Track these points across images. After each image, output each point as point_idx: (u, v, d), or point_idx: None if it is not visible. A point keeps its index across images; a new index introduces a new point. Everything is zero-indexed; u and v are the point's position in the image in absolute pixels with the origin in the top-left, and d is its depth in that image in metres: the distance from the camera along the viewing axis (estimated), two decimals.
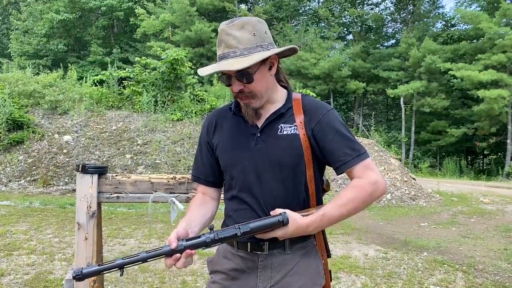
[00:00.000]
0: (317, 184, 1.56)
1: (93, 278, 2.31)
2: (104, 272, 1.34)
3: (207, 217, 1.63)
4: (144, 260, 1.35)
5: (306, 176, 1.52)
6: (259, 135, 1.54)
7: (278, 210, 1.43)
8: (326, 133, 1.50)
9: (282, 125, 1.53)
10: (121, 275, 1.36)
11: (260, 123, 1.56)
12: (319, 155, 1.53)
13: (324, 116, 1.52)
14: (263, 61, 1.47)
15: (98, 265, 1.33)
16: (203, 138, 1.71)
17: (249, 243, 1.52)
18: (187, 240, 1.38)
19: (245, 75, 1.45)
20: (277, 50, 1.50)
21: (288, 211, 1.41)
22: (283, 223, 1.39)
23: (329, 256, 1.64)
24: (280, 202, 1.49)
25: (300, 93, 1.66)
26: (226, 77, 1.49)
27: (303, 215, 1.44)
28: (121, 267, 1.33)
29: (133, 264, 1.34)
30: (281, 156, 1.50)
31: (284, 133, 1.52)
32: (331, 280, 1.63)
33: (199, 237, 1.38)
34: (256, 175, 1.52)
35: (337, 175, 1.56)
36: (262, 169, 1.51)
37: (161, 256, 1.36)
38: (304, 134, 1.51)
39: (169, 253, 1.35)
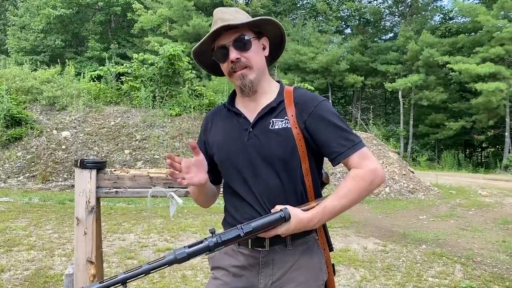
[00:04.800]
0: (314, 177, 1.55)
1: (92, 273, 2.32)
2: None
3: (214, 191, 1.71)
4: (147, 272, 1.32)
5: (301, 169, 1.51)
6: (251, 130, 1.54)
7: (279, 207, 1.42)
8: (319, 125, 1.49)
9: (273, 119, 1.53)
10: None
11: (252, 118, 1.56)
12: (314, 147, 1.52)
13: (316, 107, 1.51)
14: (257, 38, 1.56)
15: (100, 282, 1.30)
16: (201, 137, 1.73)
17: (250, 240, 1.51)
18: (189, 246, 1.35)
19: (243, 40, 1.51)
20: (269, 17, 1.57)
21: (288, 207, 1.41)
22: (285, 219, 1.38)
23: (331, 250, 1.64)
24: (277, 197, 1.48)
25: (293, 86, 1.66)
26: (222, 50, 1.52)
27: (304, 209, 1.44)
28: (123, 282, 1.30)
29: (136, 278, 1.32)
30: (274, 150, 1.49)
31: (275, 127, 1.51)
32: (334, 274, 1.62)
33: (202, 242, 1.36)
34: (251, 170, 1.52)
35: (333, 166, 1.56)
36: (257, 164, 1.51)
37: (164, 267, 1.34)
38: (296, 128, 1.50)
39: (172, 263, 1.34)
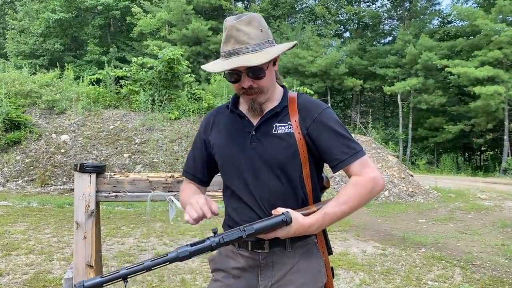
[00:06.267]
0: (314, 181, 1.56)
1: (92, 276, 2.32)
2: (107, 283, 1.30)
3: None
4: (148, 268, 1.32)
5: (302, 174, 1.53)
6: (254, 133, 1.55)
7: (280, 210, 1.43)
8: (321, 132, 1.51)
9: (277, 124, 1.54)
10: (125, 286, 1.33)
11: (255, 121, 1.57)
12: (316, 153, 1.54)
13: (319, 114, 1.53)
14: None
15: (101, 277, 1.30)
16: (199, 135, 1.72)
17: (249, 242, 1.53)
18: (192, 245, 1.36)
19: (258, 71, 1.47)
20: (286, 46, 1.54)
21: (290, 211, 1.42)
22: (287, 222, 1.39)
23: (330, 253, 1.65)
24: (277, 200, 1.49)
25: (296, 91, 1.67)
26: (235, 73, 1.49)
27: (304, 214, 1.45)
28: (125, 277, 1.30)
29: (137, 274, 1.32)
30: (276, 154, 1.51)
31: (278, 132, 1.53)
32: (333, 278, 1.64)
33: (204, 241, 1.37)
34: (253, 173, 1.53)
35: (334, 173, 1.57)
36: (258, 167, 1.52)
37: (166, 264, 1.34)
38: (299, 133, 1.51)
39: (174, 260, 1.34)
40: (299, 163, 1.52)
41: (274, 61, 1.56)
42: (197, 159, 1.71)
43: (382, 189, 1.50)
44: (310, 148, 1.53)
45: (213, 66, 1.51)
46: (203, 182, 1.73)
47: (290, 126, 1.53)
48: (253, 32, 1.47)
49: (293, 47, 1.59)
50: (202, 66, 1.59)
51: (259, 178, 1.52)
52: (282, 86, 1.67)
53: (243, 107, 1.63)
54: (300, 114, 1.54)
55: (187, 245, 1.37)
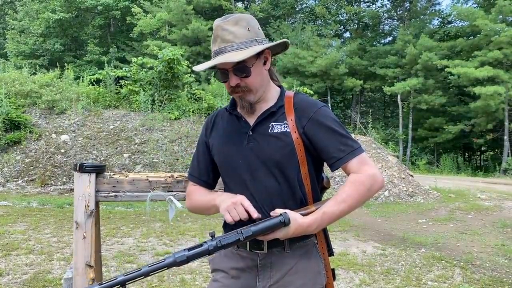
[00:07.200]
0: (313, 181, 1.56)
1: (91, 277, 2.32)
2: None
3: None
4: (146, 274, 1.32)
5: (300, 173, 1.52)
6: (251, 133, 1.55)
7: (278, 211, 1.42)
8: (318, 130, 1.50)
9: (273, 123, 1.54)
10: None
11: (252, 122, 1.57)
12: (313, 152, 1.53)
13: (315, 113, 1.52)
14: (258, 56, 1.51)
15: (99, 284, 1.31)
16: (201, 138, 1.73)
17: (248, 242, 1.52)
18: (189, 249, 1.36)
19: (242, 68, 1.48)
20: (272, 43, 1.54)
21: (288, 211, 1.41)
22: (285, 223, 1.38)
23: (331, 254, 1.64)
24: (276, 200, 1.49)
25: (293, 91, 1.67)
26: (223, 72, 1.51)
27: (303, 214, 1.44)
28: (123, 284, 1.31)
29: (135, 280, 1.33)
30: (272, 154, 1.50)
31: (274, 131, 1.52)
32: (334, 279, 1.62)
33: (202, 245, 1.36)
34: (250, 173, 1.53)
35: (332, 171, 1.56)
36: (255, 167, 1.52)
37: (164, 269, 1.34)
38: (295, 132, 1.51)
39: (172, 266, 1.34)
40: (296, 162, 1.51)
41: (264, 61, 1.56)
42: (201, 162, 1.71)
43: (381, 186, 1.49)
44: (308, 147, 1.52)
45: (200, 66, 1.53)
46: (209, 184, 1.72)
47: (286, 125, 1.52)
48: (239, 32, 1.48)
49: (285, 47, 1.61)
50: (193, 67, 1.61)
51: (256, 178, 1.52)
52: (280, 86, 1.66)
53: (241, 109, 1.63)
54: (296, 113, 1.54)
55: (184, 249, 1.36)
